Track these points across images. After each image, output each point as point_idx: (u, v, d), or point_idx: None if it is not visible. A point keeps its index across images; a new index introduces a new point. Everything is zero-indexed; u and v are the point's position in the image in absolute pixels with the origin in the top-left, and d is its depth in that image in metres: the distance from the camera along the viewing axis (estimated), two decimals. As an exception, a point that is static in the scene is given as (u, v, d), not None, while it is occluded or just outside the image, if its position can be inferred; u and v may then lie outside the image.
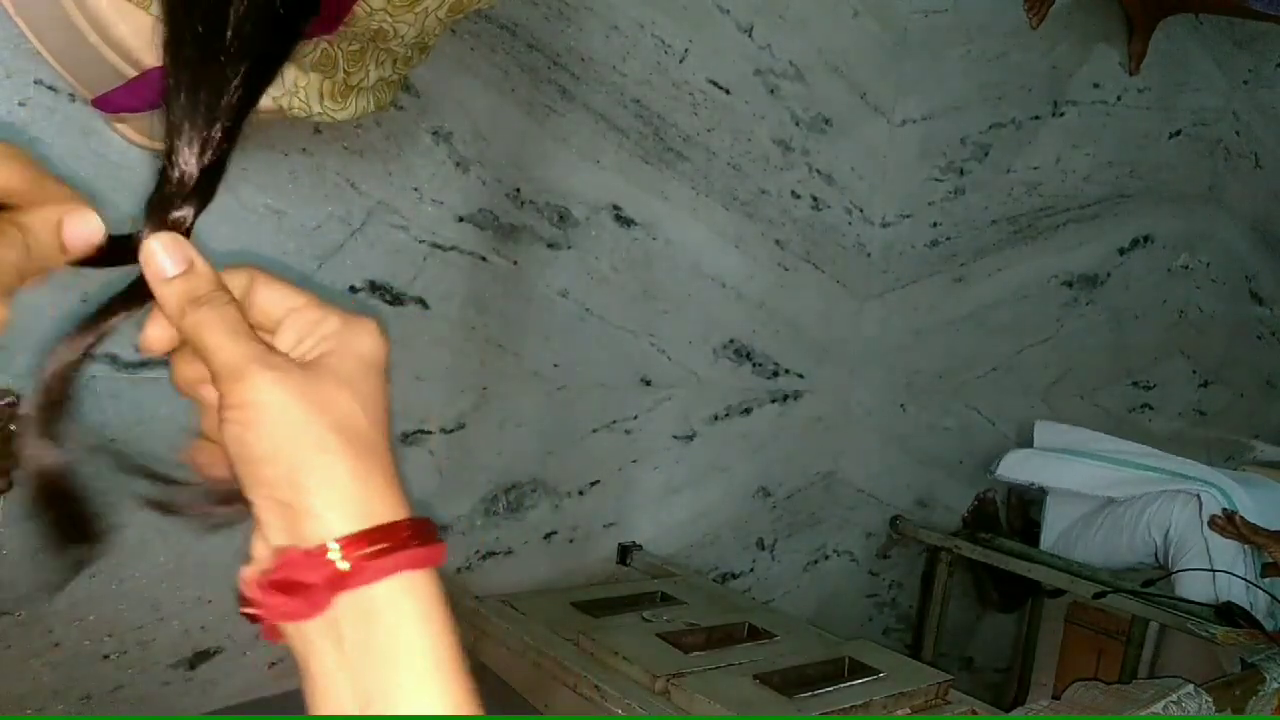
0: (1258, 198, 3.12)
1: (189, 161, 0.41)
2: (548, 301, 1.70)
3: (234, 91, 0.41)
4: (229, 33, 0.41)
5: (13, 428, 0.47)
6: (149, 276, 0.42)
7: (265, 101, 1.06)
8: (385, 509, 0.40)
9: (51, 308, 1.36)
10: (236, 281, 0.44)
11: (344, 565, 0.38)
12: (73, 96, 1.21)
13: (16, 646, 1.28)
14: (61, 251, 0.41)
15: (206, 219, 1.43)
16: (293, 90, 1.02)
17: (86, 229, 0.40)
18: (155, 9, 0.41)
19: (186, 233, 0.42)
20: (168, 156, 0.41)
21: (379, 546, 0.39)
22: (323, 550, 0.38)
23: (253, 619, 0.40)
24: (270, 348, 0.41)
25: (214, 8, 0.40)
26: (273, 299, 0.44)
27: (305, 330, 0.43)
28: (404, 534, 0.40)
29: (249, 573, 0.41)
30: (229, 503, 0.44)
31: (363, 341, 0.42)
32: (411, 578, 0.40)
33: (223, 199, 1.45)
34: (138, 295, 0.43)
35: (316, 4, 0.45)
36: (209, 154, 0.41)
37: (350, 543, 0.38)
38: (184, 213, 0.42)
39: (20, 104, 1.19)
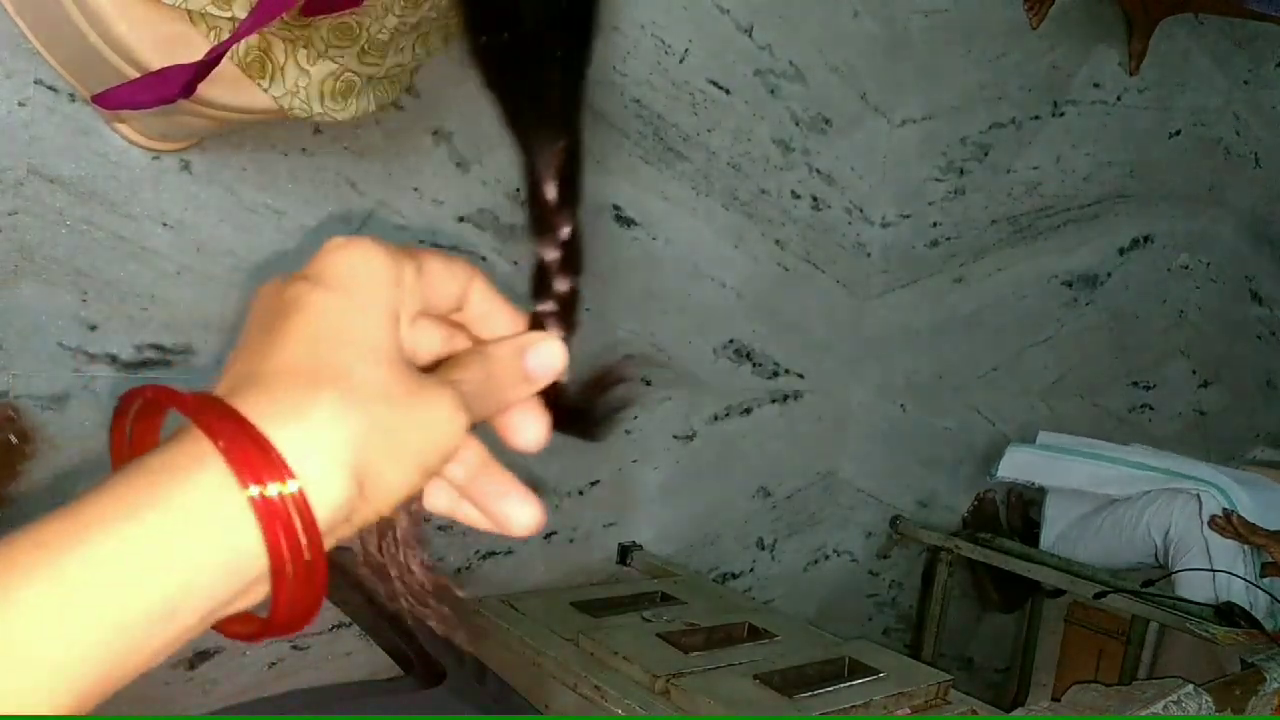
0: (1258, 198, 3.12)
1: (551, 250, 0.40)
2: (548, 301, 1.70)
3: (568, 170, 0.40)
4: (548, 113, 0.39)
5: (12, 439, 0.43)
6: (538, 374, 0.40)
7: (265, 101, 1.05)
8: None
9: (51, 308, 1.36)
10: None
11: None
12: (73, 96, 1.21)
13: (16, 646, 1.28)
14: (525, 382, 0.39)
15: (206, 219, 1.44)
16: (293, 90, 1.02)
17: (551, 359, 0.39)
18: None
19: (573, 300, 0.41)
20: (539, 242, 0.40)
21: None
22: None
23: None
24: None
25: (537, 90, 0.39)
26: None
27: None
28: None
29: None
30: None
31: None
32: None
33: (222, 199, 1.46)
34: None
35: (584, 58, 0.42)
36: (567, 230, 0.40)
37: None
38: (565, 285, 0.41)
39: (20, 104, 1.19)
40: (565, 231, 0.40)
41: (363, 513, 0.33)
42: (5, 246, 1.21)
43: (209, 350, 1.37)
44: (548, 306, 0.40)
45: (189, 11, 0.96)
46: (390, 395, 0.33)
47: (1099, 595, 1.96)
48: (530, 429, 0.40)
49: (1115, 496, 2.29)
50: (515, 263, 1.64)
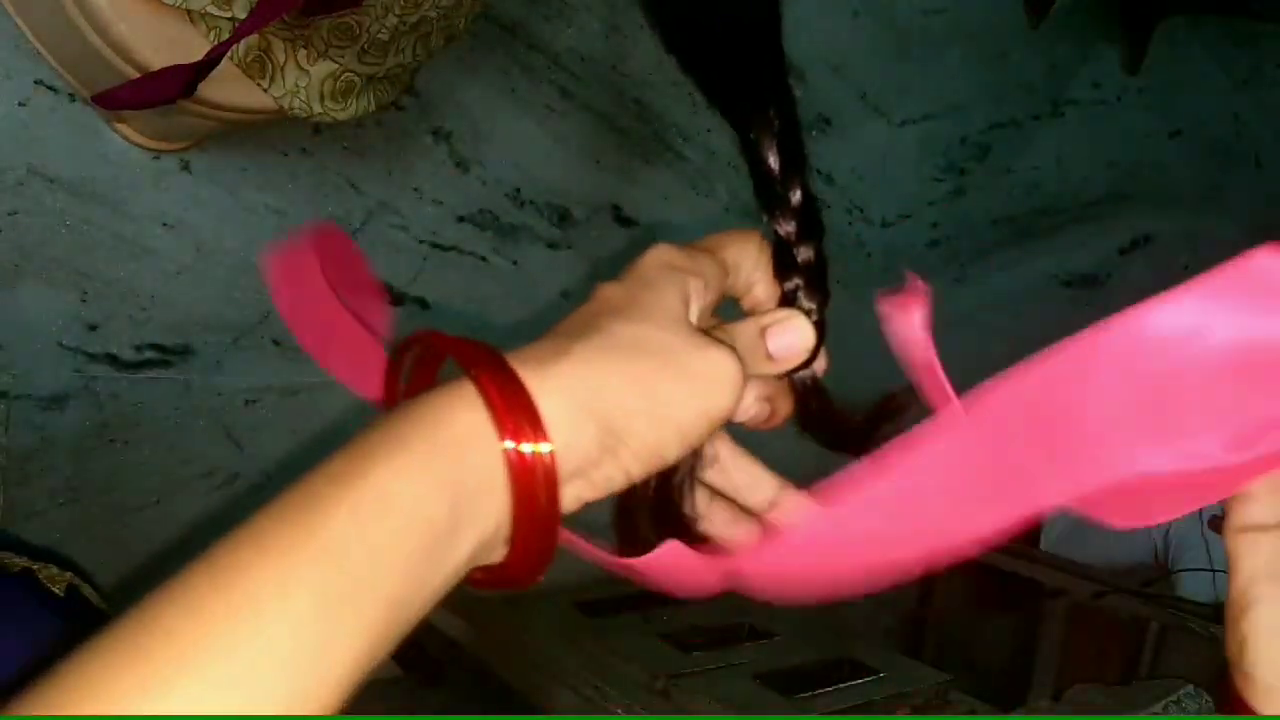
0: (1258, 199, 3.12)
1: (786, 222, 0.40)
2: (548, 302, 1.70)
3: (787, 137, 0.41)
4: (754, 83, 0.41)
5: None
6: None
7: (265, 101, 1.06)
8: None
9: (51, 308, 1.36)
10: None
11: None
12: (73, 96, 1.21)
13: (16, 646, 1.28)
14: (768, 362, 0.39)
15: (206, 219, 1.44)
16: (293, 90, 1.02)
17: (795, 340, 0.39)
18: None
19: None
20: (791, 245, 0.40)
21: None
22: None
23: None
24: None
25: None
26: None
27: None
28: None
29: None
30: None
31: None
32: None
33: (222, 199, 1.46)
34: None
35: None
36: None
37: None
38: (808, 253, 0.40)
39: (20, 104, 1.19)
40: (796, 198, 0.39)
41: (607, 471, 0.34)
42: (5, 246, 1.21)
43: (209, 350, 1.37)
44: (794, 282, 0.39)
45: (189, 12, 0.96)
46: (655, 349, 0.33)
47: (1099, 595, 1.96)
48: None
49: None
50: (514, 262, 1.64)
